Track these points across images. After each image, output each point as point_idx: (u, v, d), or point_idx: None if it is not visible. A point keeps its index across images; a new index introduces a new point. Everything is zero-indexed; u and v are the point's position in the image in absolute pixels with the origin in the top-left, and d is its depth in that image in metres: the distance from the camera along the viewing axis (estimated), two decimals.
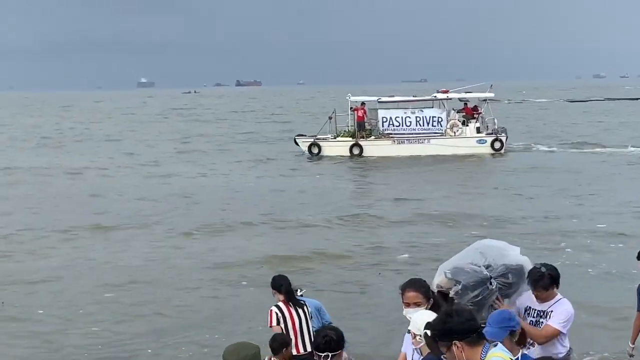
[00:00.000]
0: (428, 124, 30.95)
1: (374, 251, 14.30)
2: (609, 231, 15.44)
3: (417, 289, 4.91)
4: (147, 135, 45.92)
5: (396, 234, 15.91)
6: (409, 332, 4.69)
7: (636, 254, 6.61)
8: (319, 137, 32.29)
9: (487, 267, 5.20)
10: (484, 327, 4.05)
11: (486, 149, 30.61)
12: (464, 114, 31.60)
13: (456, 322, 3.71)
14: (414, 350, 4.70)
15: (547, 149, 33.34)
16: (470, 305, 5.04)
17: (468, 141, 30.69)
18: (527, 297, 5.37)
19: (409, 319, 4.73)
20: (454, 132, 30.80)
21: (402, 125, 31.04)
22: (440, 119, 30.92)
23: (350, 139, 31.34)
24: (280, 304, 6.52)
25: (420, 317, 4.52)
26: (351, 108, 31.74)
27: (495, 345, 3.77)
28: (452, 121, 30.88)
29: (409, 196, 20.77)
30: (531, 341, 5.23)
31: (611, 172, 25.29)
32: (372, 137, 31.32)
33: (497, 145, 30.57)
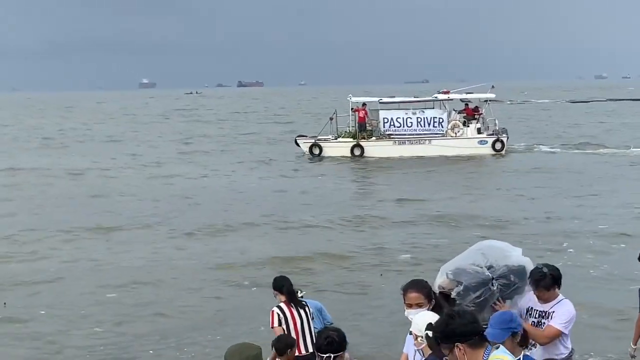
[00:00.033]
0: (429, 124, 30.96)
1: (376, 252, 14.30)
2: (611, 232, 15.43)
3: (419, 290, 4.92)
4: (149, 136, 45.97)
5: (398, 234, 15.92)
6: (410, 333, 4.69)
7: (637, 255, 6.61)
8: (320, 138, 32.32)
9: (489, 268, 5.20)
10: (485, 329, 4.05)
11: (487, 150, 30.61)
12: (465, 114, 31.61)
13: (458, 324, 3.71)
14: (415, 352, 4.70)
15: (549, 149, 33.32)
16: (472, 306, 5.04)
17: (469, 142, 30.69)
18: (528, 298, 5.38)
19: (410, 320, 4.73)
20: (455, 133, 30.80)
21: (403, 126, 31.06)
22: (441, 120, 30.92)
23: (352, 139, 31.36)
24: (282, 305, 6.52)
25: (422, 319, 4.52)
26: (352, 109, 31.77)
27: (497, 348, 3.77)
28: (453, 122, 30.89)
29: (410, 197, 20.78)
30: (533, 342, 5.23)
31: (613, 173, 25.27)
32: (374, 137, 31.34)
33: (498, 146, 30.57)
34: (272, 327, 6.45)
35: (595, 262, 13.13)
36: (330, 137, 32.13)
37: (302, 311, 6.53)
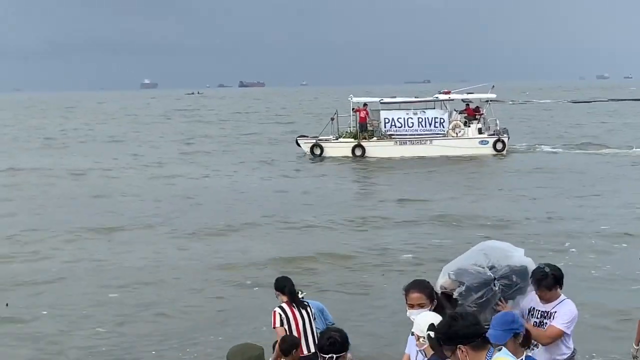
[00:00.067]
0: (430, 125, 30.96)
1: (378, 252, 14.29)
2: (613, 232, 15.41)
3: (421, 290, 4.92)
4: (151, 137, 46.01)
5: (399, 234, 15.91)
6: (412, 333, 4.69)
7: (639, 255, 6.61)
8: (321, 138, 32.33)
9: (491, 268, 5.20)
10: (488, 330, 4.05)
11: (488, 150, 30.60)
12: (466, 114, 31.61)
13: (461, 326, 3.71)
14: (417, 352, 4.70)
15: (551, 149, 33.31)
16: (474, 306, 5.04)
17: (470, 142, 30.68)
18: (530, 298, 5.37)
19: (412, 320, 4.73)
20: (456, 133, 30.80)
21: (404, 126, 31.06)
22: (442, 120, 30.92)
23: (353, 140, 31.36)
24: (284, 305, 6.52)
25: (424, 319, 4.52)
26: (353, 109, 31.77)
27: (500, 350, 3.77)
28: (454, 122, 30.89)
29: (412, 197, 20.77)
30: (535, 342, 5.23)
31: (615, 173, 25.25)
32: (375, 138, 31.34)
33: (499, 146, 30.57)
34: (274, 328, 6.45)
35: (598, 262, 13.11)
36: (331, 137, 32.14)
37: (304, 312, 6.53)
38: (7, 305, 11.30)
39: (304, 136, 33.73)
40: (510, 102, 79.09)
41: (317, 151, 31.65)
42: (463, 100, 33.06)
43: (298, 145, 32.61)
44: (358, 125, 31.32)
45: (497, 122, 32.25)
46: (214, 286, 12.29)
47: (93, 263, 13.94)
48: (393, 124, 31.11)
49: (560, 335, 5.25)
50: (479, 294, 5.09)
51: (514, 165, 28.19)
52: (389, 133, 31.22)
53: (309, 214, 18.29)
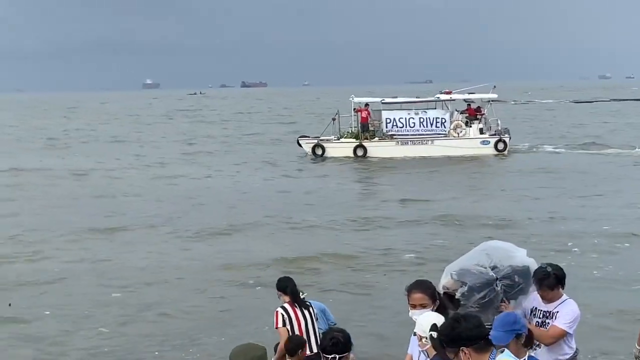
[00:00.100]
0: (431, 125, 30.95)
1: (380, 252, 14.29)
2: (616, 232, 15.40)
3: (423, 290, 4.92)
4: (153, 137, 46.04)
5: (402, 234, 15.91)
6: (415, 334, 4.70)
7: None
8: (322, 138, 32.33)
9: (493, 268, 5.20)
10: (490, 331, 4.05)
11: (490, 150, 30.60)
12: (468, 114, 31.60)
13: (464, 328, 3.71)
14: (420, 352, 4.70)
15: (553, 149, 33.29)
16: (476, 306, 5.04)
17: (472, 142, 30.68)
18: (532, 298, 5.38)
19: (414, 320, 4.73)
20: (458, 133, 30.79)
21: (406, 127, 31.05)
22: (443, 120, 30.91)
23: (354, 140, 31.36)
24: (286, 305, 6.52)
25: (426, 319, 4.52)
26: (355, 109, 31.77)
27: (502, 351, 3.77)
28: (456, 122, 30.88)
29: (413, 197, 20.77)
30: (537, 342, 5.23)
31: (618, 173, 25.23)
32: (376, 138, 31.33)
33: (501, 146, 30.56)
34: (277, 328, 6.45)
35: (600, 262, 13.10)
36: (332, 137, 32.14)
37: (306, 312, 6.53)
38: (9, 305, 11.32)
39: (306, 136, 33.73)
40: (513, 102, 79.08)
41: (319, 151, 31.66)
42: (464, 100, 33.05)
43: (299, 145, 32.62)
44: (360, 125, 31.31)
45: (499, 122, 32.23)
46: (216, 286, 12.29)
47: (95, 263, 13.95)
48: (394, 124, 31.10)
49: (563, 335, 5.25)
50: (482, 294, 5.09)
51: (515, 165, 28.17)
52: (390, 133, 31.22)
53: (311, 214, 18.29)
